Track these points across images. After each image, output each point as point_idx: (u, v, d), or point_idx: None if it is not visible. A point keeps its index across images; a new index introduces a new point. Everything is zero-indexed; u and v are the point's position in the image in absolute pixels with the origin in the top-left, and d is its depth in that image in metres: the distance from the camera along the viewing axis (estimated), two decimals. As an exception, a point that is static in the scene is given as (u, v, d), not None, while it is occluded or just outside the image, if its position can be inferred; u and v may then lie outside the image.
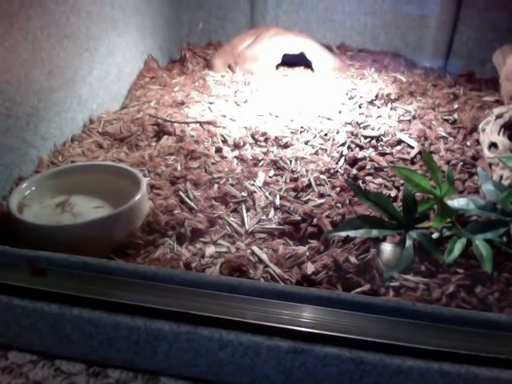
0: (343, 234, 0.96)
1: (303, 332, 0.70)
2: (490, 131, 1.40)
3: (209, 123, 1.46)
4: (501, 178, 1.22)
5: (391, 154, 1.36)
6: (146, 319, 0.73)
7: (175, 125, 1.43)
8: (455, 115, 1.59)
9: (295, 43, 1.88)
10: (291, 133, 1.44)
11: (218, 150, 1.33)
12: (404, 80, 1.86)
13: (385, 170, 1.29)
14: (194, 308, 0.72)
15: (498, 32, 1.92)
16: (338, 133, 1.45)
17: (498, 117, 1.44)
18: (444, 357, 0.68)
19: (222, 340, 0.72)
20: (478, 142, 1.44)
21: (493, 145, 1.36)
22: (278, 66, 1.90)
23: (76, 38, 1.34)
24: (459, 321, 0.71)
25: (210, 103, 1.61)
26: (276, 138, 1.40)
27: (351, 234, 0.95)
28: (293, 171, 1.26)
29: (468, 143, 1.44)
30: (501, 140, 1.35)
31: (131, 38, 1.70)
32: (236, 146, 1.36)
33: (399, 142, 1.42)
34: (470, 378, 0.68)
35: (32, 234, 0.94)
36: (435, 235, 1.01)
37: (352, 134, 1.44)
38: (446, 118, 1.58)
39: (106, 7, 1.49)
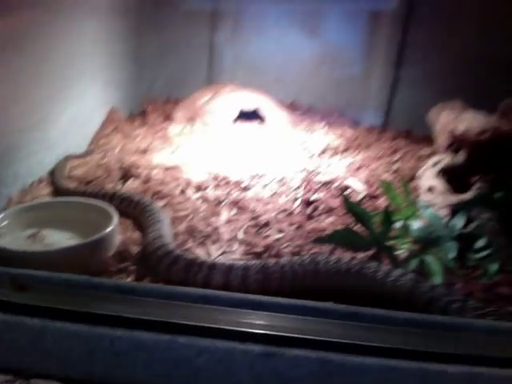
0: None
1: (273, 336, 0.77)
2: (427, 177, 1.57)
3: (173, 168, 1.54)
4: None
5: (341, 196, 1.48)
6: (126, 330, 0.77)
7: (140, 169, 1.50)
8: (396, 165, 1.76)
9: (251, 99, 2.03)
10: (250, 178, 1.55)
11: (183, 192, 1.41)
12: (350, 135, 2.03)
13: (336, 210, 1.41)
14: (173, 317, 0.78)
15: (433, 92, 2.13)
16: (292, 178, 1.57)
17: (435, 164, 1.61)
18: (399, 354, 0.76)
19: (199, 347, 0.77)
20: (415, 188, 1.60)
21: (430, 189, 1.51)
22: (235, 120, 2.03)
23: (49, 82, 1.42)
24: (411, 323, 0.80)
25: (172, 151, 1.70)
26: (236, 181, 1.50)
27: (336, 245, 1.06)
28: (253, 211, 1.36)
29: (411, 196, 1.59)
30: (438, 183, 1.50)
31: (97, 89, 1.79)
32: (199, 189, 1.45)
33: (347, 187, 1.55)
34: (422, 373, 0.76)
35: (6, 261, 0.97)
36: (399, 251, 1.13)
37: (306, 179, 1.56)
38: (389, 168, 1.74)
39: (77, 57, 1.58)
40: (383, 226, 1.14)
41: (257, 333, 0.78)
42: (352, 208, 1.14)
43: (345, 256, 1.11)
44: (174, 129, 1.90)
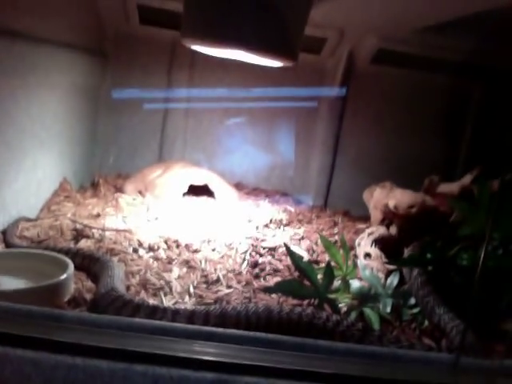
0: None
1: (225, 363, 0.82)
2: (364, 245, 1.70)
3: (125, 231, 1.60)
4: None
5: (285, 260, 1.58)
6: (84, 358, 0.80)
7: (93, 230, 1.55)
8: (336, 237, 1.89)
9: (200, 175, 2.15)
10: (200, 242, 1.62)
11: (135, 250, 1.46)
12: (292, 211, 2.17)
13: (281, 271, 1.50)
14: (130, 346, 0.81)
15: (367, 176, 2.34)
16: (240, 244, 1.66)
17: (370, 234, 1.75)
18: (342, 380, 0.83)
19: (154, 375, 0.80)
20: (354, 255, 1.72)
21: (367, 255, 1.64)
22: (184, 195, 2.12)
23: (9, 146, 1.48)
24: (351, 352, 0.88)
25: (124, 217, 1.76)
26: (187, 244, 1.57)
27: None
28: (203, 270, 1.42)
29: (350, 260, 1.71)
30: (373, 250, 1.64)
31: (52, 159, 1.86)
32: (151, 249, 1.50)
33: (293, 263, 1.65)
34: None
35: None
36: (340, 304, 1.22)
37: (252, 245, 1.65)
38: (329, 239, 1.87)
39: (37, 125, 1.66)
40: (325, 279, 1.24)
41: (209, 361, 0.83)
42: (297, 261, 1.24)
43: (291, 305, 1.18)
44: (125, 199, 1.97)
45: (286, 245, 1.35)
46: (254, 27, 1.48)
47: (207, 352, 0.84)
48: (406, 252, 1.53)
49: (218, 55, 1.70)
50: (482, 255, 0.88)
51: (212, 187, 2.15)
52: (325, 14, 2.04)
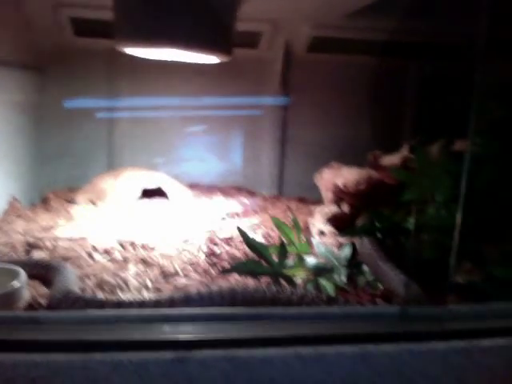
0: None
1: (183, 341, 0.84)
2: (317, 223, 1.74)
3: (79, 239, 1.59)
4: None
5: (242, 248, 1.61)
6: (42, 354, 0.81)
7: (46, 242, 1.54)
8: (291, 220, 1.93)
9: (152, 179, 2.16)
10: (156, 240, 1.63)
11: (90, 255, 1.46)
12: (248, 203, 2.20)
13: (238, 259, 1.52)
14: (86, 335, 0.82)
15: (316, 161, 2.40)
16: (197, 238, 1.67)
17: (322, 213, 1.80)
18: (296, 341, 0.86)
19: (113, 362, 0.82)
20: (309, 233, 1.77)
21: (321, 232, 1.69)
22: (139, 199, 2.12)
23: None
24: (303, 315, 0.91)
25: (77, 226, 1.75)
26: (143, 244, 1.58)
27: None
28: (160, 265, 1.43)
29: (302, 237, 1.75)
30: (326, 228, 1.69)
31: (-2, 179, 1.83)
32: (106, 252, 1.50)
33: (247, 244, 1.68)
34: (319, 355, 0.86)
35: None
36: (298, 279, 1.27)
37: (209, 237, 1.67)
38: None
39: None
40: (280, 257, 1.27)
41: (167, 340, 0.85)
42: (250, 242, 1.26)
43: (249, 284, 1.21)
44: (77, 210, 1.96)
45: (238, 228, 1.38)
46: (185, 24, 1.50)
47: (163, 332, 0.86)
48: (357, 224, 1.59)
49: (153, 57, 1.72)
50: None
51: (165, 189, 2.16)
52: (257, 8, 2.09)
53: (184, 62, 1.72)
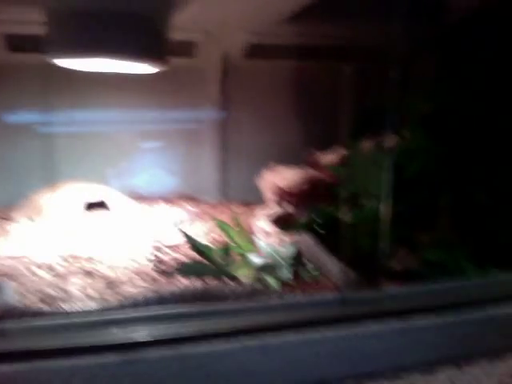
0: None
1: (129, 343, 0.85)
2: (261, 224, 1.78)
3: (19, 257, 1.56)
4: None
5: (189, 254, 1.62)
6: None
7: (-15, 262, 1.50)
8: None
9: (94, 191, 2.13)
10: (102, 252, 1.62)
11: (33, 272, 1.43)
12: (193, 210, 2.22)
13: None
14: (31, 344, 0.82)
15: (258, 165, 2.45)
16: (144, 247, 1.67)
17: (266, 215, 1.84)
18: (242, 334, 0.89)
19: (61, 368, 0.82)
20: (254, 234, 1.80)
21: (265, 232, 1.73)
22: (82, 212, 2.09)
23: None
24: (246, 309, 0.94)
25: (16, 243, 1.71)
26: (87, 257, 1.57)
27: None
28: (106, 276, 1.43)
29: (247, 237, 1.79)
30: (270, 228, 1.73)
31: None
32: (49, 268, 1.48)
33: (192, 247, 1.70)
34: (263, 344, 0.89)
35: None
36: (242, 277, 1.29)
37: (156, 246, 1.68)
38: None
39: None
40: (225, 258, 1.30)
41: (114, 344, 0.85)
42: (196, 245, 1.28)
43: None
44: (14, 227, 1.91)
45: (183, 232, 1.39)
46: (116, 34, 1.51)
47: (110, 336, 0.87)
48: (299, 221, 1.64)
49: (87, 69, 1.71)
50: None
51: (108, 201, 2.14)
52: (192, 17, 2.11)
53: (122, 74, 1.72)
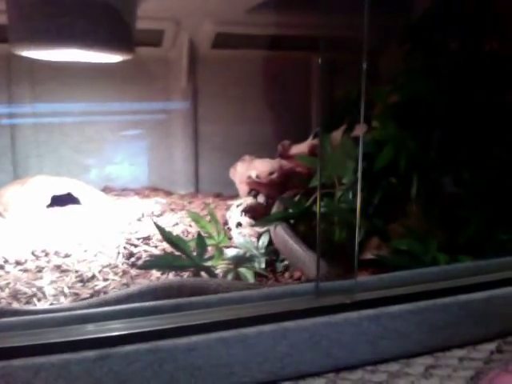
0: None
1: (104, 338, 0.84)
2: (234, 216, 1.78)
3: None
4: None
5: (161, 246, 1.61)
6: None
7: (-51, 258, 1.45)
8: (208, 217, 1.95)
9: (61, 184, 2.09)
10: (70, 246, 1.59)
11: (1, 267, 1.40)
12: (164, 202, 2.19)
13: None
14: (3, 342, 0.80)
15: (230, 156, 2.44)
16: (113, 240, 1.65)
17: (239, 206, 1.84)
18: (219, 326, 0.89)
19: (34, 366, 0.80)
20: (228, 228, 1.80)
21: (239, 224, 1.72)
22: (48, 206, 2.05)
23: None
24: (222, 301, 0.94)
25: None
26: (57, 252, 1.53)
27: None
28: (76, 271, 1.40)
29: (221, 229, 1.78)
30: (243, 219, 1.73)
31: None
32: (18, 263, 1.44)
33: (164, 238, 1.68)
34: (242, 337, 0.89)
35: None
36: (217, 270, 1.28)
37: (126, 238, 1.66)
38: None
39: None
40: (198, 249, 1.29)
41: (88, 339, 0.84)
42: (167, 236, 1.27)
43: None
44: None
45: (156, 224, 1.38)
46: (81, 23, 1.47)
47: (84, 332, 0.85)
48: (271, 213, 1.64)
49: (52, 59, 1.67)
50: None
51: (76, 194, 2.10)
52: (158, 5, 2.08)
53: (88, 63, 1.68)
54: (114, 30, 1.51)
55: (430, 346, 1.02)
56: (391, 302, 1.01)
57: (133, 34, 1.61)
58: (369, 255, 1.34)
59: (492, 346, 1.03)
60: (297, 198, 1.61)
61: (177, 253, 1.34)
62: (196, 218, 1.44)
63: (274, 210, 1.65)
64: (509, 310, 1.08)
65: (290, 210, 1.52)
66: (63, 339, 0.83)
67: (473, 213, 1.35)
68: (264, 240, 1.50)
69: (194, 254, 1.31)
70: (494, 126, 1.52)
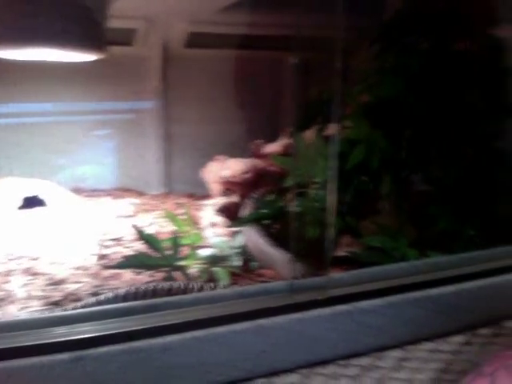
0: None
1: (77, 340, 0.83)
2: (208, 215, 1.78)
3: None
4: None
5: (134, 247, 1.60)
6: None
7: None
8: (183, 217, 1.95)
9: (33, 186, 2.05)
10: (40, 249, 1.56)
11: (-31, 271, 1.37)
12: (137, 202, 2.18)
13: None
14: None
15: (202, 156, 2.43)
16: (85, 242, 1.63)
17: (212, 206, 1.84)
18: (193, 326, 0.89)
19: (7, 370, 0.78)
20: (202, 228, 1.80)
21: (213, 224, 1.73)
22: (18, 209, 2.01)
23: None
24: (197, 300, 0.94)
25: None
26: (27, 255, 1.51)
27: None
28: (48, 273, 1.38)
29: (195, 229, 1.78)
30: (217, 219, 1.73)
31: None
32: (-14, 267, 1.42)
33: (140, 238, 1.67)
34: (214, 336, 0.90)
35: None
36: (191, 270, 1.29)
37: (98, 240, 1.64)
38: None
39: None
40: (173, 249, 1.29)
41: (62, 341, 0.83)
42: (143, 235, 1.27)
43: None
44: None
45: (129, 222, 1.37)
46: (55, 22, 1.45)
47: (57, 335, 0.84)
48: (242, 212, 1.65)
49: (22, 58, 1.64)
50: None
51: (48, 196, 2.07)
52: (131, 5, 2.07)
53: (60, 62, 1.66)
54: (87, 28, 1.49)
55: (401, 339, 1.04)
56: (363, 297, 1.03)
57: (105, 33, 1.59)
58: (341, 252, 1.36)
59: (461, 338, 1.06)
60: (270, 198, 1.62)
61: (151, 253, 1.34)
62: (172, 218, 1.44)
63: (245, 209, 1.65)
64: (477, 302, 1.11)
65: (264, 210, 1.53)
66: (36, 342, 0.81)
67: (441, 209, 1.38)
68: (238, 240, 1.51)
69: (169, 253, 1.31)
70: (461, 124, 1.55)
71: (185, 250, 1.41)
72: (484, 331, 1.09)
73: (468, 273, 1.13)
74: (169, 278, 1.22)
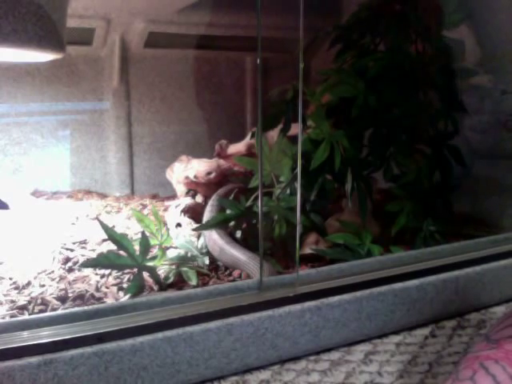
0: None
1: (46, 343, 0.82)
2: (173, 216, 1.77)
3: None
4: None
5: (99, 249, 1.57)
6: None
7: None
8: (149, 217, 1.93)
9: (-11, 189, 1.99)
10: (2, 254, 1.52)
11: None
12: (99, 204, 2.14)
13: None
14: None
15: (166, 157, 2.42)
16: (47, 245, 1.60)
17: (177, 206, 1.83)
18: (164, 326, 0.89)
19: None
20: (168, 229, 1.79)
21: (178, 224, 1.72)
22: (-26, 213, 1.95)
23: None
24: (168, 300, 0.94)
25: None
26: (-14, 259, 1.47)
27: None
28: (10, 278, 1.35)
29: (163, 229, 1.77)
30: (182, 219, 1.73)
31: None
32: None
33: (104, 239, 1.65)
34: (188, 335, 0.90)
35: None
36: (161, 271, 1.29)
37: (62, 243, 1.61)
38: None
39: None
40: (141, 248, 1.27)
41: (30, 345, 0.82)
42: (110, 233, 1.25)
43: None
44: None
45: (98, 219, 1.35)
46: (10, 20, 1.41)
47: (26, 338, 0.83)
48: (206, 212, 1.65)
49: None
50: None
51: (5, 199, 2.01)
52: (89, 4, 2.04)
53: (15, 62, 1.62)
54: (44, 27, 1.45)
55: (368, 333, 1.07)
56: (331, 293, 1.05)
57: (63, 33, 1.56)
58: (308, 250, 1.38)
59: (426, 331, 1.10)
60: (232, 197, 1.63)
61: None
62: (140, 217, 1.42)
63: (207, 210, 1.65)
64: (440, 296, 1.15)
65: (229, 211, 1.53)
66: (5, 346, 0.80)
67: (402, 206, 1.42)
68: (202, 240, 1.51)
69: (137, 253, 1.29)
70: (417, 123, 1.61)
71: (153, 251, 1.40)
72: (448, 323, 1.13)
73: (430, 267, 1.17)
74: (136, 280, 1.21)
